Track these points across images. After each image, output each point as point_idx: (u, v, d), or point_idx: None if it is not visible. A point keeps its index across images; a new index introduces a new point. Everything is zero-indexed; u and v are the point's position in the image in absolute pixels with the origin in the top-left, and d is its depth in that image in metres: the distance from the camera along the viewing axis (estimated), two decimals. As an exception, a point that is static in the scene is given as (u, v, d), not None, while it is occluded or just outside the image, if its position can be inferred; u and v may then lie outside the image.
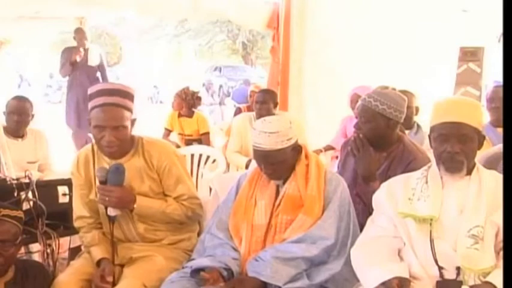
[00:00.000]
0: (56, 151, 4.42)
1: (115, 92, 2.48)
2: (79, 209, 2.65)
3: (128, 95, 2.52)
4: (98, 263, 2.50)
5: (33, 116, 4.05)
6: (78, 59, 6.36)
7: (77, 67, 6.42)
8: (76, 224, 2.66)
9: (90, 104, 2.49)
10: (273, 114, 4.43)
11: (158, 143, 2.73)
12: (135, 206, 2.50)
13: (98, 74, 6.59)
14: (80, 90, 6.34)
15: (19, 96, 4.15)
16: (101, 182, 2.46)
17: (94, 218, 2.64)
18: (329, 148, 5.00)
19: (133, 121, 2.54)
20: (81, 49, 6.39)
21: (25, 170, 3.02)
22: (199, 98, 5.84)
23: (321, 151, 4.85)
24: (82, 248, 2.75)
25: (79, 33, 6.44)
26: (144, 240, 2.61)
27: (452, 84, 5.38)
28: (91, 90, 2.52)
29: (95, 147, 2.60)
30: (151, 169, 2.57)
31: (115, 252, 2.50)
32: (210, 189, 3.78)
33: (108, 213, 2.47)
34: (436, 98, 2.35)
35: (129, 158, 2.56)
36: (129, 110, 2.51)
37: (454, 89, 5.36)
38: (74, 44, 6.51)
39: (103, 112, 2.44)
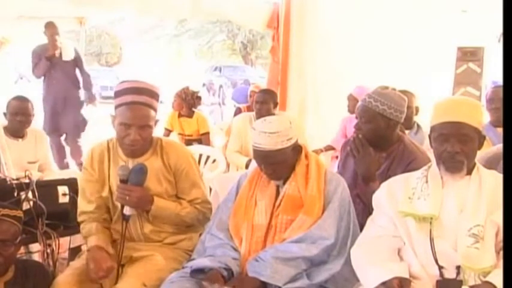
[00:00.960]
0: (55, 151, 4.44)
1: (144, 91, 2.47)
2: (84, 205, 2.62)
3: (155, 95, 2.51)
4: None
5: (33, 116, 4.04)
6: (57, 54, 5.79)
7: (52, 64, 5.87)
8: (80, 218, 2.64)
9: (117, 101, 2.48)
10: (273, 114, 4.44)
11: (176, 145, 2.74)
12: (152, 207, 2.49)
13: (77, 70, 6.06)
14: (58, 88, 5.94)
15: (20, 97, 4.12)
16: (122, 181, 2.45)
17: (98, 213, 2.61)
18: (329, 148, 5.01)
19: (156, 121, 2.53)
20: (58, 43, 5.79)
21: (25, 170, 3.02)
22: (199, 98, 5.84)
23: (321, 151, 4.86)
24: (82, 248, 2.74)
25: (50, 28, 5.79)
26: (147, 241, 2.60)
27: (452, 84, 5.40)
28: (118, 87, 2.52)
29: (110, 144, 2.60)
30: (168, 171, 2.56)
31: (121, 251, 2.47)
32: (210, 189, 3.78)
33: (124, 212, 2.45)
34: (436, 98, 2.36)
35: (147, 158, 2.55)
36: (155, 109, 2.51)
37: (453, 89, 5.36)
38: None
39: (131, 110, 2.43)
